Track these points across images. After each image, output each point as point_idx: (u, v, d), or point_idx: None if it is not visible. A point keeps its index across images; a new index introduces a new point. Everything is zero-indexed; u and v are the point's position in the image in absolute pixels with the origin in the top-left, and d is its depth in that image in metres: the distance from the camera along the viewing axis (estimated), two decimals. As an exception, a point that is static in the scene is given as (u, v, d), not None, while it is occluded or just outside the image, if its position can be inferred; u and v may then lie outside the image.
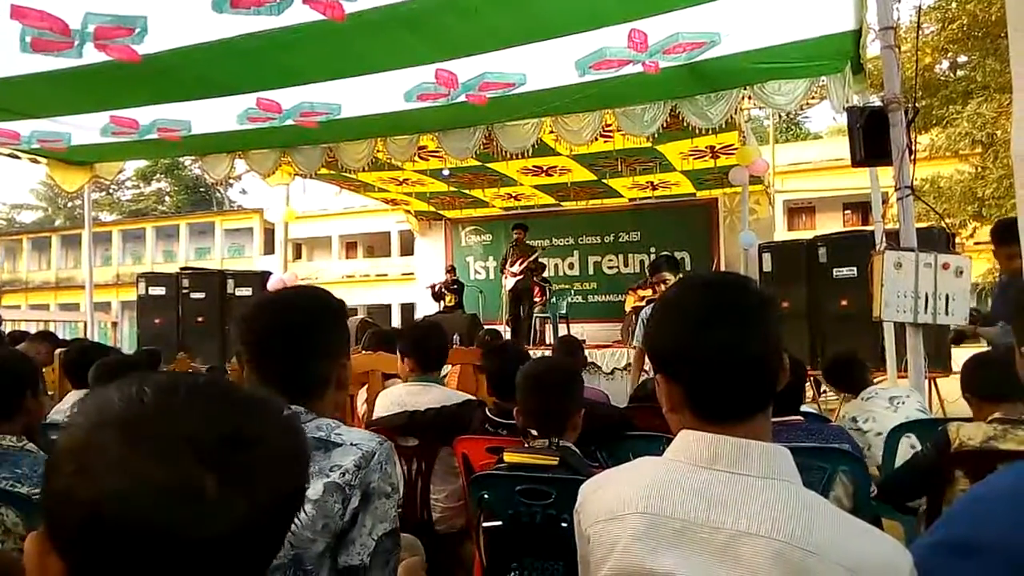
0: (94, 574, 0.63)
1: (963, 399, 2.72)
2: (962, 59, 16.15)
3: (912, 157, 3.97)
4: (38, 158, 7.46)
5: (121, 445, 0.63)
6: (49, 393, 3.52)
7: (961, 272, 3.63)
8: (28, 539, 0.65)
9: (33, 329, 9.66)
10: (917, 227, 4.06)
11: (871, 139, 4.03)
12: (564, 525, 1.86)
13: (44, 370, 2.74)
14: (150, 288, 9.85)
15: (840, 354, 3.86)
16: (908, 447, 2.90)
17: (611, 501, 1.10)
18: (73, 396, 3.39)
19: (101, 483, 0.62)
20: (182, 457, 0.63)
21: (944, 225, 8.52)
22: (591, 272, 12.28)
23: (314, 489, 1.23)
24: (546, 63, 4.98)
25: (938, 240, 6.02)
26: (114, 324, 33.09)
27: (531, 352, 5.17)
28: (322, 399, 1.41)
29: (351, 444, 1.31)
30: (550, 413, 2.14)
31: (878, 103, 4.20)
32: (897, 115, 3.94)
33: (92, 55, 4.46)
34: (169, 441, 0.64)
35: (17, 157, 7.29)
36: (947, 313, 3.57)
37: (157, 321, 9.66)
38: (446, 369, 3.29)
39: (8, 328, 10.67)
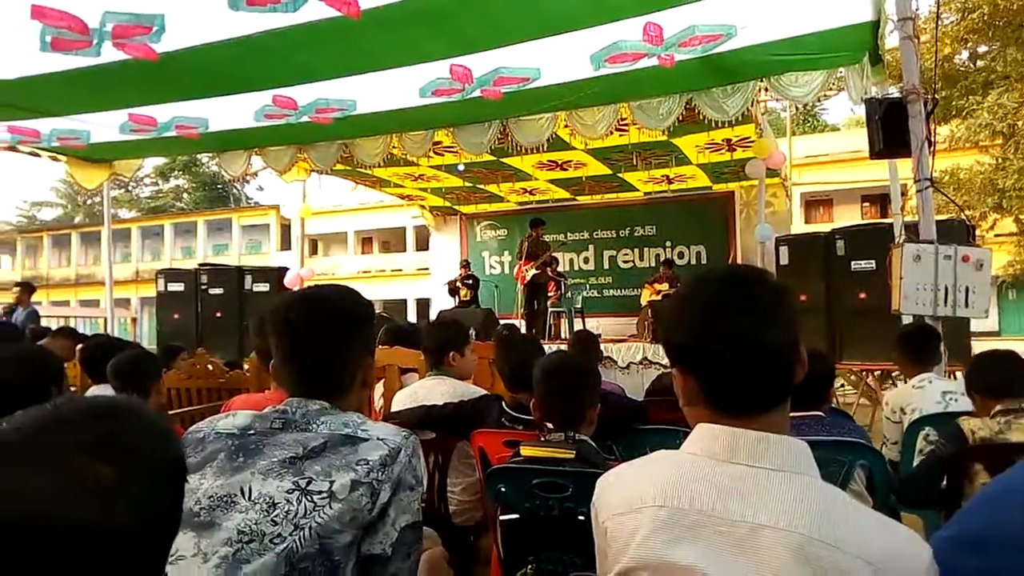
0: None
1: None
2: (982, 49, 15.92)
3: (931, 149, 3.94)
4: (58, 156, 7.56)
5: (14, 463, 0.69)
6: (72, 388, 3.57)
7: (981, 265, 3.59)
8: None
9: (54, 325, 9.78)
10: (937, 219, 4.02)
11: (890, 131, 4.00)
12: (581, 518, 1.86)
13: (66, 365, 2.78)
14: (169, 284, 9.96)
15: (915, 325, 3.65)
16: (924, 441, 2.88)
17: (628, 494, 1.10)
18: (94, 391, 3.43)
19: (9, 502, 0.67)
20: (73, 458, 0.71)
21: (964, 217, 8.43)
22: (606, 266, 12.25)
23: (340, 483, 1.25)
24: (561, 57, 4.97)
25: (958, 232, 5.96)
26: (134, 320, 33.46)
27: (546, 346, 5.17)
28: (348, 395, 1.44)
29: (377, 439, 1.32)
30: (566, 407, 2.14)
31: (897, 94, 4.16)
32: (916, 106, 3.90)
33: (110, 54, 4.50)
34: (55, 449, 0.71)
35: (38, 155, 7.38)
36: (967, 306, 3.53)
37: (176, 316, 9.77)
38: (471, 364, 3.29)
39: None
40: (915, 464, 2.79)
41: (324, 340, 1.42)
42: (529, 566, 1.97)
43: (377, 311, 1.63)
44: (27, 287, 8.48)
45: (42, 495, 0.68)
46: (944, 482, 2.43)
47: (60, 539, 0.67)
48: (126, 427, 0.77)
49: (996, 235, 16.85)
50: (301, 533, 1.21)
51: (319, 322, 1.43)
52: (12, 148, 7.01)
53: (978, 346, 7.12)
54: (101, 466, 0.71)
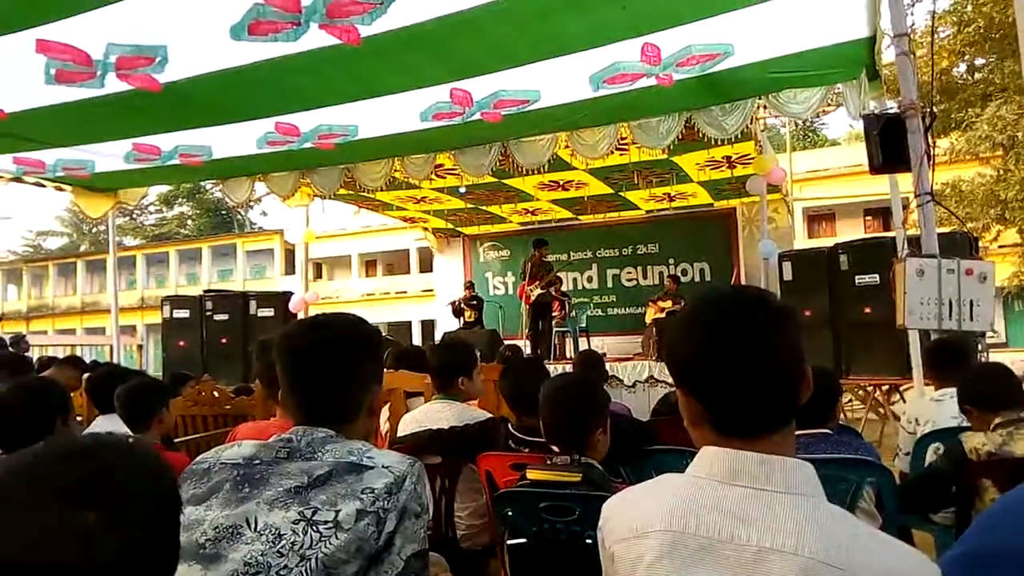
0: None
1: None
2: (979, 62, 16.00)
3: (931, 162, 3.94)
4: (63, 186, 7.61)
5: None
6: (78, 418, 3.57)
7: (985, 277, 3.58)
8: None
9: (61, 354, 9.80)
10: (939, 232, 4.02)
11: (889, 145, 4.00)
12: (588, 542, 1.85)
13: (72, 395, 2.78)
14: (174, 311, 9.98)
15: (943, 339, 3.65)
16: (934, 455, 2.87)
17: (635, 518, 1.10)
18: (100, 421, 3.44)
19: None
20: (54, 506, 0.72)
21: (966, 230, 8.42)
22: (610, 285, 12.25)
23: (346, 512, 1.24)
24: (560, 79, 5.01)
25: (961, 245, 5.96)
26: (139, 347, 33.52)
27: (552, 367, 5.16)
28: (354, 423, 1.44)
29: (383, 467, 1.32)
30: (569, 429, 2.13)
31: (895, 109, 4.17)
32: (914, 121, 3.91)
33: (114, 85, 4.55)
34: (36, 497, 0.72)
35: (43, 185, 7.44)
36: (972, 319, 3.52)
37: (181, 343, 9.78)
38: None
39: (36, 354, 10.82)
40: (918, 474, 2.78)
41: (329, 368, 1.42)
42: (537, 591, 1.96)
43: (382, 334, 1.61)
44: None
45: (25, 541, 0.69)
46: (944, 494, 2.42)
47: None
48: (109, 468, 0.77)
49: (1000, 246, 16.84)
50: (307, 564, 1.20)
51: (324, 350, 1.43)
52: (18, 179, 7.07)
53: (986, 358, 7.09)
54: (84, 511, 0.72)
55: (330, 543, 1.21)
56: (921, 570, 0.94)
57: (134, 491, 0.78)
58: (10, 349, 7.96)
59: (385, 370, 3.93)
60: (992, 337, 13.09)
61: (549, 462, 2.11)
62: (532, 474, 2.07)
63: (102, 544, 0.72)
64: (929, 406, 3.37)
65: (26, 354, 8.00)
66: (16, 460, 0.75)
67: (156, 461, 0.83)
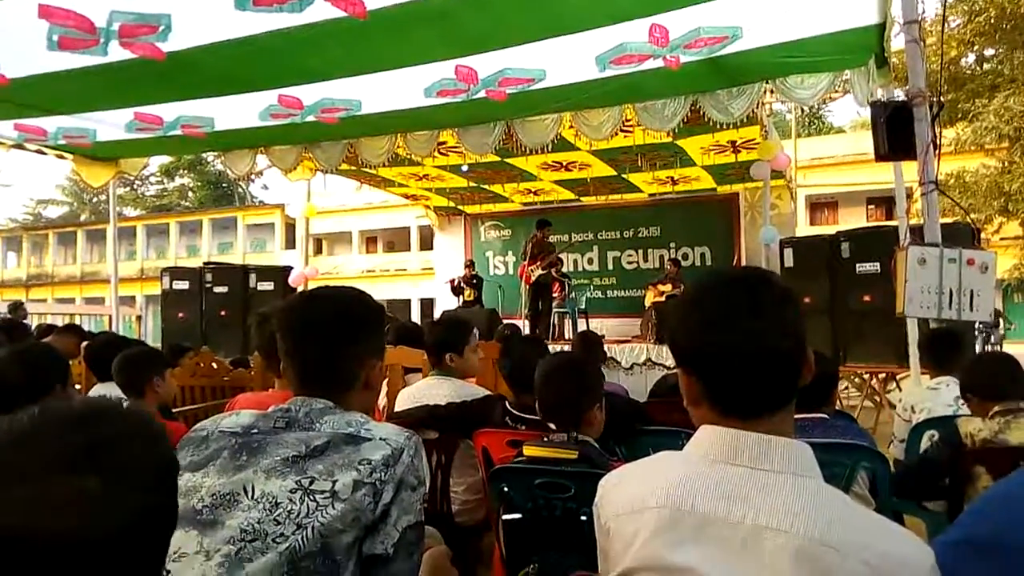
0: None
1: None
2: (989, 52, 15.88)
3: (937, 152, 3.92)
4: (64, 154, 7.57)
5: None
6: (76, 386, 3.58)
7: (986, 268, 3.57)
8: None
9: (60, 322, 9.82)
10: (942, 222, 4.01)
11: (895, 133, 3.98)
12: (584, 519, 1.87)
13: (71, 363, 2.79)
14: (174, 282, 9.98)
15: (941, 328, 3.70)
16: (929, 442, 2.88)
17: (631, 495, 1.10)
18: (99, 388, 3.45)
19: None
20: (55, 473, 0.71)
21: (969, 220, 8.41)
22: (610, 267, 12.24)
23: (343, 482, 1.25)
24: (566, 58, 4.97)
25: (963, 236, 5.94)
26: (138, 318, 33.55)
27: (550, 347, 5.16)
28: (349, 394, 1.44)
29: (380, 439, 1.33)
30: (566, 407, 2.14)
31: (902, 97, 4.15)
32: (922, 109, 3.88)
33: (117, 53, 4.51)
34: (37, 464, 0.71)
35: (44, 153, 7.40)
36: (972, 309, 3.52)
37: (181, 315, 9.78)
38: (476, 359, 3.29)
39: (35, 322, 10.84)
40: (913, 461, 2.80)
41: (326, 339, 1.43)
42: (531, 566, 1.97)
43: (385, 310, 1.61)
44: None
45: (27, 509, 0.68)
46: (939, 481, 2.43)
47: (48, 550, 0.68)
48: (109, 434, 0.77)
49: (1001, 238, 16.83)
50: (304, 533, 1.21)
51: (322, 321, 1.44)
52: (19, 146, 7.03)
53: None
54: (85, 478, 0.71)
55: (327, 512, 1.22)
56: (915, 552, 0.94)
57: (134, 457, 0.77)
58: (8, 316, 7.98)
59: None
60: (1010, 327, 13.15)
61: (546, 439, 2.12)
62: (529, 451, 2.08)
63: (107, 511, 0.71)
64: (925, 394, 3.38)
65: (24, 321, 8.03)
66: (13, 426, 0.75)
67: (151, 425, 0.83)
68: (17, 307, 10.04)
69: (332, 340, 1.43)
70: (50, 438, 0.73)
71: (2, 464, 0.71)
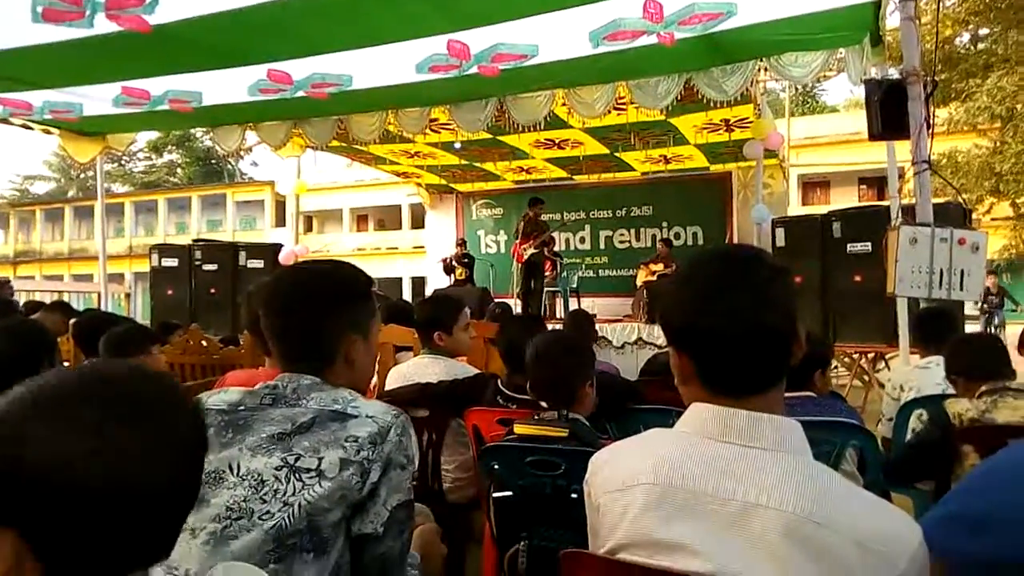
0: (46, 538, 0.68)
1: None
2: (983, 31, 15.84)
3: (930, 131, 3.92)
4: (51, 129, 7.48)
5: (45, 419, 0.70)
6: (65, 362, 3.56)
7: (977, 248, 3.59)
8: None
9: (48, 300, 9.75)
10: (933, 202, 4.02)
11: (889, 112, 3.98)
12: (574, 496, 1.87)
13: (59, 340, 2.77)
14: (163, 260, 9.90)
15: (932, 307, 3.71)
16: (918, 421, 2.90)
17: (622, 472, 1.10)
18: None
19: (48, 455, 0.68)
20: (104, 421, 0.72)
21: (960, 200, 8.42)
22: (602, 246, 12.23)
23: (329, 460, 1.24)
24: (559, 34, 4.92)
25: (954, 215, 5.95)
26: (127, 295, 33.40)
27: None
28: (331, 373, 1.41)
29: (367, 416, 1.31)
30: (556, 384, 2.15)
31: (897, 76, 4.13)
32: (916, 88, 3.88)
33: (103, 25, 4.44)
34: (85, 411, 0.72)
35: (30, 128, 7.30)
36: (962, 289, 3.53)
37: (170, 292, 9.72)
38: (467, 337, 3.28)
39: (23, 299, 10.75)
40: (904, 443, 2.81)
41: (302, 315, 1.41)
42: (522, 542, 1.98)
43: (372, 285, 1.59)
44: None
45: (70, 452, 0.69)
46: (929, 465, 2.45)
47: (87, 496, 0.69)
48: (156, 392, 0.79)
49: (992, 219, 16.88)
50: (290, 511, 1.20)
51: (298, 297, 1.43)
52: (4, 121, 6.93)
53: (971, 329, 7.16)
54: (137, 432, 0.73)
55: (313, 491, 1.21)
56: (903, 529, 0.95)
57: (175, 416, 0.80)
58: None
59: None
60: (1016, 309, 13.16)
61: (536, 417, 2.12)
62: (519, 428, 2.08)
63: (145, 465, 0.73)
64: (914, 373, 3.40)
65: (12, 298, 7.96)
66: (61, 378, 0.76)
67: (185, 391, 0.86)
68: (3, 284, 9.96)
69: (308, 316, 1.41)
70: (107, 390, 0.75)
71: (51, 404, 0.72)
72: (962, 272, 3.53)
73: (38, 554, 0.68)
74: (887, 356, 7.51)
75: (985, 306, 11.01)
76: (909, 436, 2.87)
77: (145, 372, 0.81)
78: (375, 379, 3.62)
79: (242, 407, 1.33)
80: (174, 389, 0.82)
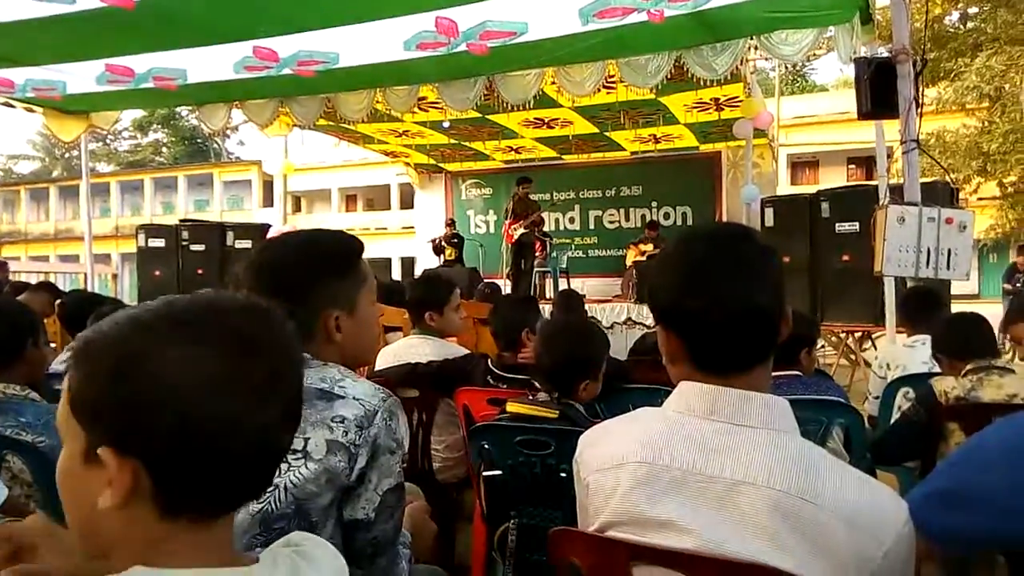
0: (171, 468, 0.69)
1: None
2: (973, 10, 15.82)
3: (919, 110, 3.92)
4: (33, 107, 7.37)
5: (182, 342, 0.70)
6: (51, 344, 3.53)
7: (964, 227, 3.60)
8: (103, 455, 0.67)
9: (34, 280, 9.67)
10: (921, 181, 4.03)
11: (878, 91, 3.98)
12: (563, 475, 1.88)
13: (46, 321, 2.75)
14: (150, 240, 9.83)
15: (918, 287, 3.72)
16: (904, 399, 2.93)
17: (610, 450, 1.11)
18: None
19: (175, 378, 0.68)
20: (233, 349, 0.72)
21: (948, 180, 8.46)
22: (592, 227, 12.22)
23: (315, 441, 1.22)
24: (549, 11, 4.88)
25: (942, 195, 5.97)
26: (114, 276, 33.11)
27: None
28: (313, 349, 1.36)
29: (353, 398, 1.29)
30: (565, 374, 2.12)
31: (886, 55, 4.13)
32: (905, 67, 3.87)
33: (86, 1, 4.36)
34: (221, 333, 0.72)
35: (12, 106, 7.19)
36: (949, 268, 3.56)
37: (157, 273, 9.66)
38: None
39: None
40: (891, 423, 2.84)
41: (276, 290, 1.35)
42: (511, 521, 1.99)
43: (355, 256, 1.52)
44: None
45: (207, 382, 0.69)
46: (918, 446, 2.47)
47: (213, 421, 0.69)
48: (280, 331, 0.78)
49: (979, 198, 16.98)
50: (276, 493, 1.19)
51: (272, 271, 1.39)
52: (-15, 98, 6.83)
53: (957, 308, 7.21)
54: (259, 362, 0.73)
55: (299, 473, 1.20)
56: (889, 505, 0.96)
57: (293, 357, 0.79)
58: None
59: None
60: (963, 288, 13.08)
61: (530, 398, 2.13)
62: (512, 407, 2.09)
63: (269, 398, 0.73)
64: (901, 351, 3.43)
65: (8, 279, 7.90)
66: (201, 298, 0.77)
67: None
68: (1, 266, 9.87)
69: (282, 291, 1.34)
70: (231, 313, 0.75)
71: (192, 326, 0.72)
72: (949, 251, 3.56)
73: (156, 482, 0.68)
74: (874, 335, 7.58)
75: (1018, 284, 10.85)
76: (895, 414, 2.90)
77: (262, 308, 0.79)
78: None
79: None
80: (288, 331, 0.80)
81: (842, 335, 7.81)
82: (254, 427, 0.71)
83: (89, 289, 8.19)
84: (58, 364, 2.76)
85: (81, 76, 6.17)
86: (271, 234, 8.90)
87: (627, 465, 1.06)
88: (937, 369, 2.89)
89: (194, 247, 9.59)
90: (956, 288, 5.50)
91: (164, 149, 45.02)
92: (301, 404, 0.80)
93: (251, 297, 0.81)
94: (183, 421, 0.67)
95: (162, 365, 0.68)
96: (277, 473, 1.19)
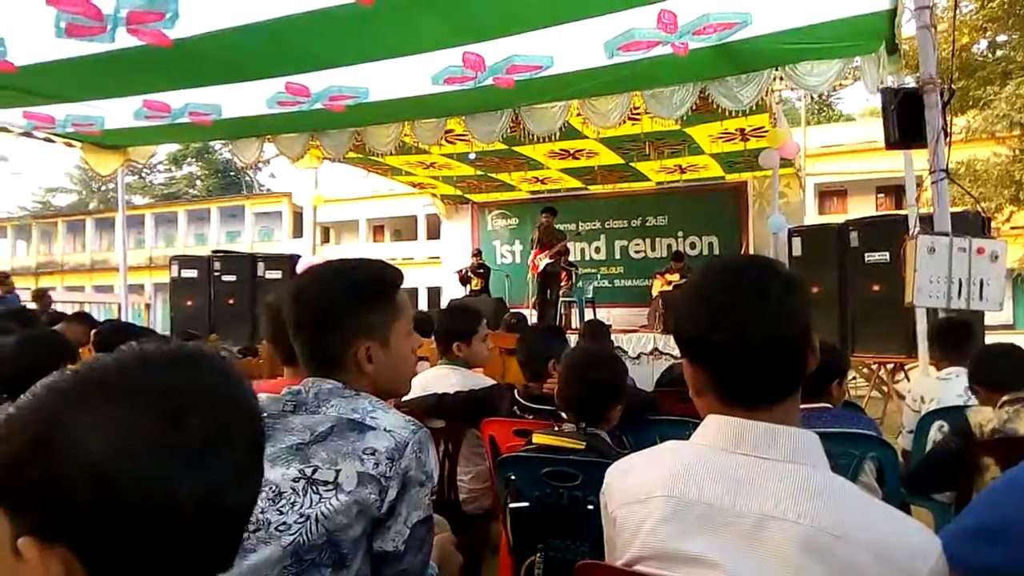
0: (104, 550, 0.60)
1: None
2: (1001, 39, 15.69)
3: (947, 139, 3.89)
4: (72, 142, 7.60)
5: (103, 406, 0.62)
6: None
7: (996, 257, 3.55)
8: (23, 547, 0.59)
9: (70, 310, 9.88)
10: (952, 211, 3.98)
11: (906, 121, 3.96)
12: (590, 507, 1.87)
13: (81, 351, 2.80)
14: (182, 270, 10.02)
15: (949, 318, 3.68)
16: (938, 432, 2.87)
17: (637, 484, 1.10)
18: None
19: (94, 447, 0.60)
20: (163, 408, 0.64)
21: (979, 209, 8.34)
22: (618, 256, 12.21)
23: (346, 473, 1.23)
24: (574, 45, 4.94)
25: (973, 224, 5.90)
26: (147, 306, 33.63)
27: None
28: (346, 378, 1.38)
29: (384, 430, 1.29)
30: (588, 403, 2.13)
31: (913, 84, 4.12)
32: (932, 96, 3.85)
33: (124, 40, 4.51)
34: (145, 390, 0.64)
35: (52, 141, 7.43)
36: (981, 299, 3.50)
37: (189, 303, 9.84)
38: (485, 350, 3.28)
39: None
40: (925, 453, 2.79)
41: (311, 313, 1.39)
42: (538, 554, 1.98)
43: (391, 287, 1.51)
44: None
45: (133, 447, 0.61)
46: (952, 478, 2.42)
47: (144, 491, 0.61)
48: (217, 377, 0.70)
49: (1012, 227, 16.65)
50: (308, 524, 1.19)
51: (303, 303, 1.41)
52: (27, 134, 7.06)
53: (992, 339, 7.07)
54: (191, 426, 0.64)
55: (330, 504, 1.20)
56: (922, 540, 0.94)
57: (240, 409, 0.71)
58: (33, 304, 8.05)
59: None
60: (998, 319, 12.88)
61: (556, 429, 2.13)
62: (538, 438, 2.09)
63: (208, 461, 0.65)
64: (934, 384, 3.37)
65: (48, 310, 8.09)
66: (126, 358, 0.67)
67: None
68: (42, 295, 10.12)
69: (315, 318, 1.39)
70: (164, 377, 0.67)
71: (110, 391, 0.64)
72: (981, 282, 3.50)
73: (92, 570, 0.60)
74: (907, 367, 7.44)
75: None
76: (929, 447, 2.84)
77: (195, 358, 0.70)
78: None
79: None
80: (232, 380, 0.71)
81: (874, 366, 7.68)
82: (194, 493, 0.63)
83: (123, 319, 8.36)
84: None
85: (119, 112, 6.36)
86: (301, 264, 9.02)
87: (655, 499, 1.05)
88: (973, 402, 2.84)
89: (226, 277, 9.76)
90: (990, 319, 5.41)
91: (198, 182, 45.94)
92: (260, 457, 0.72)
93: (185, 347, 0.72)
94: (109, 494, 0.59)
95: (80, 433, 0.60)
96: (308, 504, 1.20)
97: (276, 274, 9.57)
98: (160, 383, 0.65)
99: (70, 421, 0.61)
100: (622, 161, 9.91)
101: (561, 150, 9.23)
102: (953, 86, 4.21)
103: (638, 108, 6.21)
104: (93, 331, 4.43)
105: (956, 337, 3.43)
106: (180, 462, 0.63)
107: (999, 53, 15.77)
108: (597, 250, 12.31)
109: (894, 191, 24.47)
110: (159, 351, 0.69)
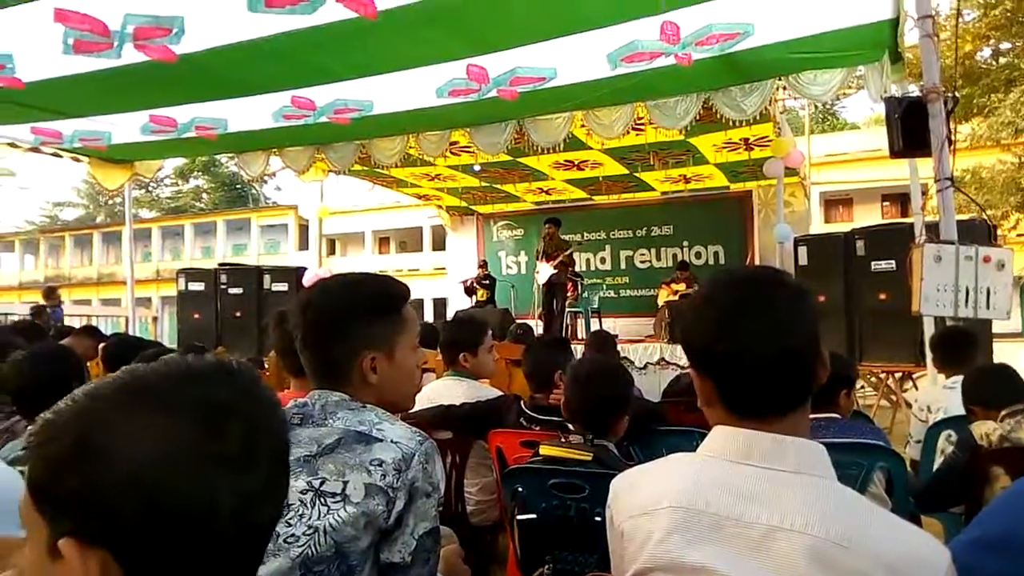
0: (142, 555, 0.61)
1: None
2: (1005, 46, 15.70)
3: (952, 147, 3.89)
4: (80, 157, 7.66)
5: (145, 414, 0.63)
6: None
7: (1003, 265, 3.54)
8: (63, 547, 0.60)
9: (77, 324, 9.93)
10: (958, 219, 3.97)
11: (910, 129, 3.96)
12: (597, 519, 1.86)
13: (88, 364, 2.81)
14: (189, 283, 10.06)
15: (951, 327, 3.68)
16: (946, 442, 2.86)
17: (644, 496, 1.10)
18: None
19: (137, 454, 0.60)
20: (204, 417, 0.64)
21: (986, 217, 8.31)
22: (623, 266, 12.20)
23: (354, 485, 1.23)
24: (577, 57, 4.97)
25: (979, 232, 5.88)
26: (154, 319, 33.79)
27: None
28: (351, 390, 1.39)
29: (391, 441, 1.30)
30: (594, 414, 2.13)
31: (917, 93, 4.12)
32: (936, 105, 3.85)
33: (131, 55, 4.56)
34: (187, 399, 0.65)
35: (60, 156, 7.48)
36: (988, 307, 3.49)
37: (196, 316, 9.86)
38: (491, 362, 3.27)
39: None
40: (935, 467, 2.77)
41: (318, 324, 1.41)
42: (546, 566, 1.98)
43: (396, 300, 1.53)
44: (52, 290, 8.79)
45: (175, 456, 0.62)
46: (963, 492, 2.41)
47: (184, 499, 0.62)
48: (253, 389, 0.71)
49: (1018, 234, 16.61)
50: (316, 536, 1.20)
51: (309, 315, 1.42)
52: (35, 149, 7.12)
53: (1000, 348, 7.03)
54: (230, 436, 0.65)
55: (338, 515, 1.21)
56: (931, 551, 0.94)
57: (273, 422, 0.71)
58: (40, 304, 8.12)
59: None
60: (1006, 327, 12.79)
61: (563, 440, 2.12)
62: (545, 450, 2.08)
63: (243, 471, 0.65)
64: (941, 393, 3.35)
65: (59, 306, 8.15)
66: (166, 367, 0.68)
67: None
68: (51, 292, 10.17)
69: (322, 328, 1.41)
70: (208, 387, 0.67)
71: (161, 395, 0.65)
72: (988, 290, 3.49)
73: (129, 574, 0.61)
74: (915, 376, 7.40)
75: None
76: (938, 458, 2.83)
77: (232, 369, 0.71)
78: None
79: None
80: (266, 394, 0.72)
81: (882, 375, 7.64)
82: (233, 501, 0.64)
83: (130, 332, 8.39)
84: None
85: (126, 127, 6.41)
86: (307, 276, 9.05)
87: (661, 511, 1.05)
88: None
89: (232, 290, 9.78)
90: (998, 327, 5.38)
91: (204, 195, 46.15)
92: (287, 471, 0.73)
93: (221, 359, 0.73)
94: (151, 500, 0.60)
95: (124, 440, 0.61)
96: (316, 516, 1.20)
97: (282, 286, 9.60)
98: (200, 393, 0.66)
99: (112, 428, 0.61)
100: (626, 171, 9.92)
101: (565, 161, 9.25)
102: (957, 94, 4.21)
103: (642, 119, 6.24)
104: (101, 345, 4.44)
105: (956, 347, 3.43)
106: (220, 472, 0.63)
107: (1003, 60, 15.77)
108: (602, 260, 12.31)
109: (900, 199, 24.45)
110: (198, 362, 0.70)
